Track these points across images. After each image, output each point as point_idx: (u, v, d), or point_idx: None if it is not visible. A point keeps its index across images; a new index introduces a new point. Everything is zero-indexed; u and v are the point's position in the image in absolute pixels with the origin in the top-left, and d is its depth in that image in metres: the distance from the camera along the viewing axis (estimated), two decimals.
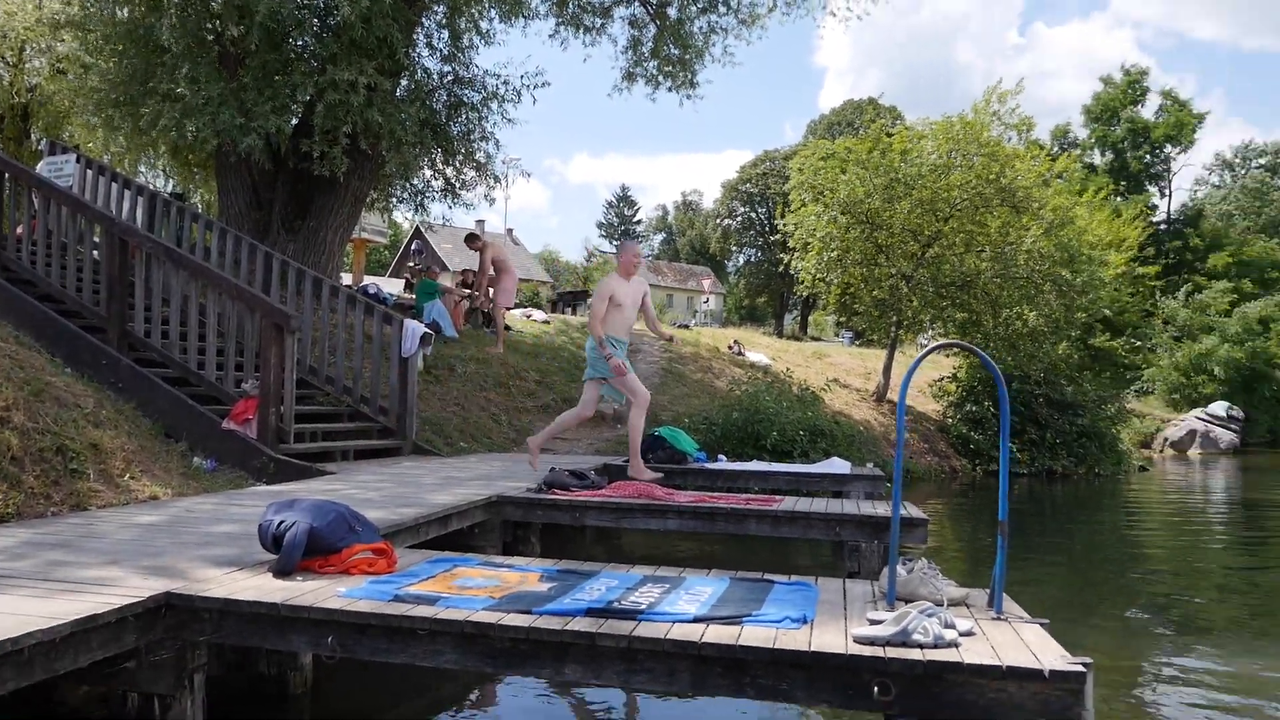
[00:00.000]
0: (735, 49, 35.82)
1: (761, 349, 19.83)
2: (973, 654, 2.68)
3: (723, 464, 8.53)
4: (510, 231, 54.96)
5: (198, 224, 9.82)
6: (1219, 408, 28.99)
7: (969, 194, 15.89)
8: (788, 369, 15.65)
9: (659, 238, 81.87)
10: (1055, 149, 34.82)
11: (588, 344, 6.92)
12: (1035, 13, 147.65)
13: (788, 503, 6.02)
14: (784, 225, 18.06)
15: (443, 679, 4.31)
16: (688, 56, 13.67)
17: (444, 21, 11.98)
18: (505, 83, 12.22)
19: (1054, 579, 7.53)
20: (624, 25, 13.94)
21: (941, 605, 3.06)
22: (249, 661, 3.92)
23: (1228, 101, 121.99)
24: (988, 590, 3.27)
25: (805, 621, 3.01)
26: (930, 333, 18.96)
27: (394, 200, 14.54)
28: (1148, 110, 47.10)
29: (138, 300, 7.59)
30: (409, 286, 16.73)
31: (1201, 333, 33.53)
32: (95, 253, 8.33)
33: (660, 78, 13.96)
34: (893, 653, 2.68)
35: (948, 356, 20.28)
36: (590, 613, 3.05)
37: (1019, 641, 2.84)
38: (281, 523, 3.62)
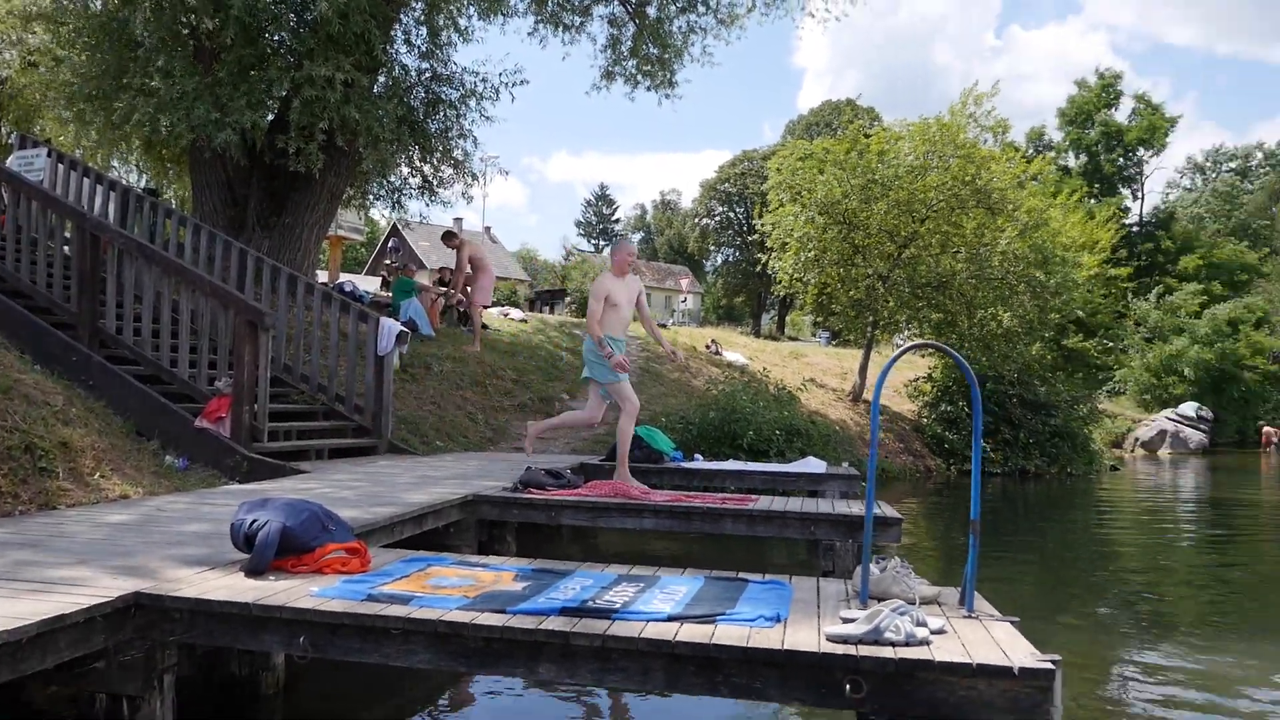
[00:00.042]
0: (714, 49, 35.49)
1: (739, 348, 19.90)
2: (944, 652, 2.70)
3: (699, 463, 8.56)
4: (488, 229, 54.74)
5: (171, 220, 9.71)
6: (1189, 408, 29.44)
7: (945, 195, 16.03)
8: (764, 369, 15.70)
9: (637, 236, 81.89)
10: (1030, 151, 35.17)
11: (585, 345, 6.83)
12: (1012, 15, 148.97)
13: (763, 502, 6.05)
14: (762, 225, 18.16)
15: (416, 679, 4.30)
16: (667, 56, 13.70)
17: (422, 18, 11.93)
18: (484, 80, 12.21)
19: (1025, 577, 7.61)
20: (603, 24, 13.96)
21: (914, 603, 3.09)
22: (220, 662, 3.88)
23: (1200, 105, 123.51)
24: (960, 588, 3.30)
25: (779, 620, 3.02)
26: (906, 333, 19.09)
27: (371, 197, 14.44)
28: (1121, 114, 47.84)
29: (109, 297, 7.51)
30: (386, 284, 16.66)
31: (1172, 334, 34.01)
32: (66, 248, 8.22)
33: (639, 77, 13.98)
34: (865, 651, 2.70)
35: (923, 357, 20.43)
36: (564, 612, 3.04)
37: (989, 639, 2.87)
38: (254, 522, 3.59)
